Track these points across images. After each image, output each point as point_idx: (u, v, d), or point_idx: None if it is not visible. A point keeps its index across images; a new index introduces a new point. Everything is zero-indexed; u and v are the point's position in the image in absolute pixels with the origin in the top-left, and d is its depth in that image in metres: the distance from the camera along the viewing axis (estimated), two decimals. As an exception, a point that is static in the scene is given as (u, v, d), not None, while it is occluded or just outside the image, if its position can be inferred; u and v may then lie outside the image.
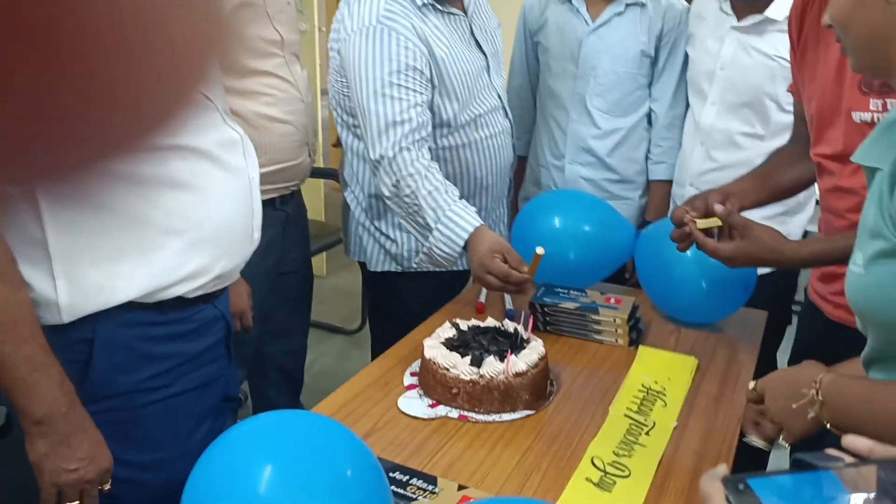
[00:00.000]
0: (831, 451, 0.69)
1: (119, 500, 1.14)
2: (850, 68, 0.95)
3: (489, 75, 1.84)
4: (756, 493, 0.61)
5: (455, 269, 1.81)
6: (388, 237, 1.89)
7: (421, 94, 1.66)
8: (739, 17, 1.83)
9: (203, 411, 1.27)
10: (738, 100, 1.86)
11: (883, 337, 0.91)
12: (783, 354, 1.93)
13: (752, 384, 1.10)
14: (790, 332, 1.80)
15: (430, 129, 1.69)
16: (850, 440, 0.70)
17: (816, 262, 1.34)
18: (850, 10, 0.93)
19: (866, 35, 0.92)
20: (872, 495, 0.62)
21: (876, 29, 0.91)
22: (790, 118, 1.79)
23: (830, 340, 1.42)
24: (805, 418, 0.96)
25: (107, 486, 1.11)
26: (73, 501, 1.08)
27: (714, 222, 1.32)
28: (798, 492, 0.64)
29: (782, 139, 1.84)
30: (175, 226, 1.14)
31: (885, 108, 1.22)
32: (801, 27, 1.40)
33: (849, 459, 0.66)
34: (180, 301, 1.18)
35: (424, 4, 1.69)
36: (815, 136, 1.39)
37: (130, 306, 1.13)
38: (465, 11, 1.78)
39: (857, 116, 1.26)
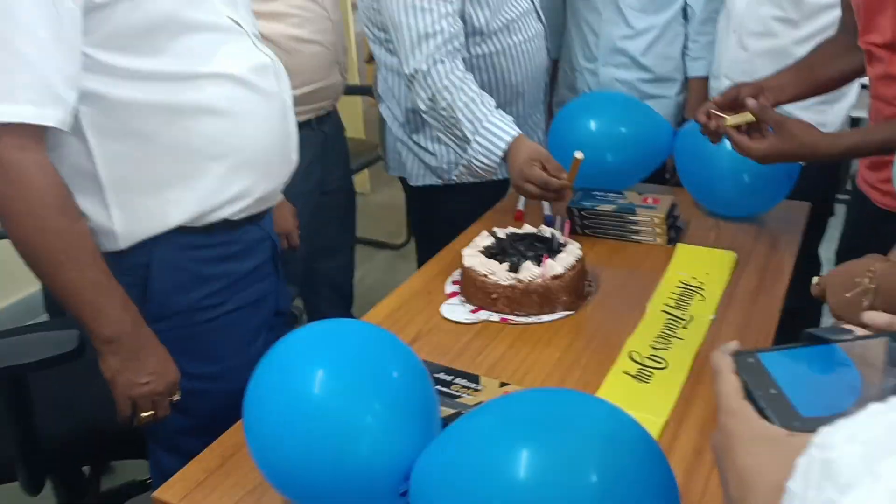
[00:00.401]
0: (844, 325, 0.70)
1: (187, 409, 1.23)
2: None
3: None
4: (764, 366, 0.62)
5: (495, 178, 1.83)
6: (426, 150, 1.90)
7: (451, 3, 1.64)
8: None
9: (257, 325, 1.35)
10: None
11: None
12: (830, 245, 1.92)
13: (815, 279, 1.07)
14: (835, 225, 1.78)
15: (462, 38, 1.68)
16: (870, 315, 0.70)
17: (854, 154, 1.32)
18: None
19: None
20: (881, 366, 0.63)
21: None
22: (823, 0, 1.72)
23: (879, 228, 1.41)
24: (861, 308, 0.95)
25: (176, 397, 1.20)
26: (147, 412, 1.17)
27: (746, 118, 1.30)
28: (805, 364, 0.64)
29: (816, 24, 1.77)
30: (216, 151, 1.18)
31: None
32: None
33: (861, 332, 0.66)
34: (227, 223, 1.24)
35: None
36: (863, 23, 1.33)
37: (181, 230, 1.19)
38: None
39: None
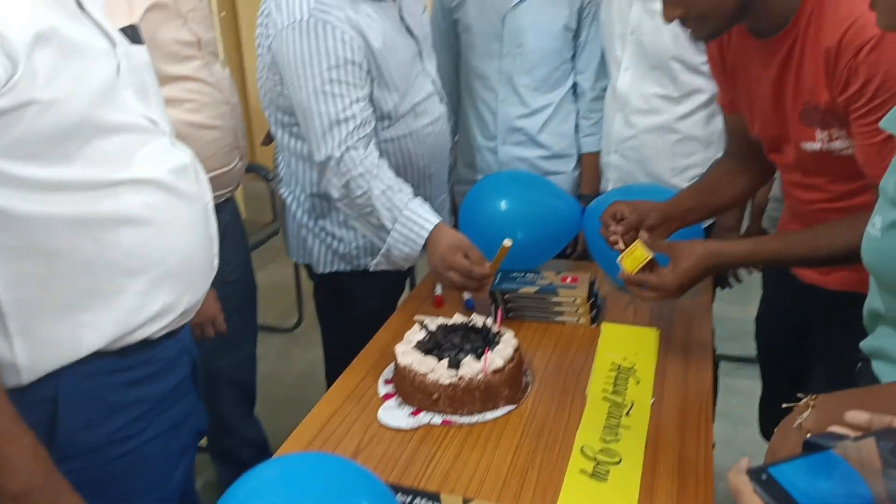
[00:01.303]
0: (836, 429, 0.73)
1: (107, 561, 1.08)
2: (878, 25, 0.92)
3: (422, 60, 1.80)
4: (778, 481, 0.65)
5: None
6: (333, 236, 1.84)
7: (361, 88, 1.61)
8: None
9: (178, 451, 1.22)
10: (648, 63, 1.89)
11: None
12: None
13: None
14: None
15: (373, 124, 1.65)
16: (850, 416, 0.74)
17: (747, 262, 1.38)
18: None
19: None
20: (879, 468, 0.66)
21: None
22: (699, 80, 1.84)
23: (800, 302, 1.49)
24: (795, 435, 0.91)
25: (94, 551, 1.05)
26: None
27: (642, 259, 1.32)
28: (813, 475, 0.67)
29: (695, 101, 1.88)
30: (135, 265, 1.07)
31: (831, 139, 1.23)
32: (721, 45, 1.39)
33: (853, 434, 0.71)
34: (144, 343, 1.12)
35: None
36: (767, 148, 1.40)
37: (92, 356, 1.06)
38: None
39: (807, 146, 1.26)
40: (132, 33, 1.23)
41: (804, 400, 0.92)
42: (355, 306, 1.90)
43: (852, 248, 1.21)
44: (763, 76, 1.29)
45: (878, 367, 1.02)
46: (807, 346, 1.53)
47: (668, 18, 1.24)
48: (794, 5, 1.19)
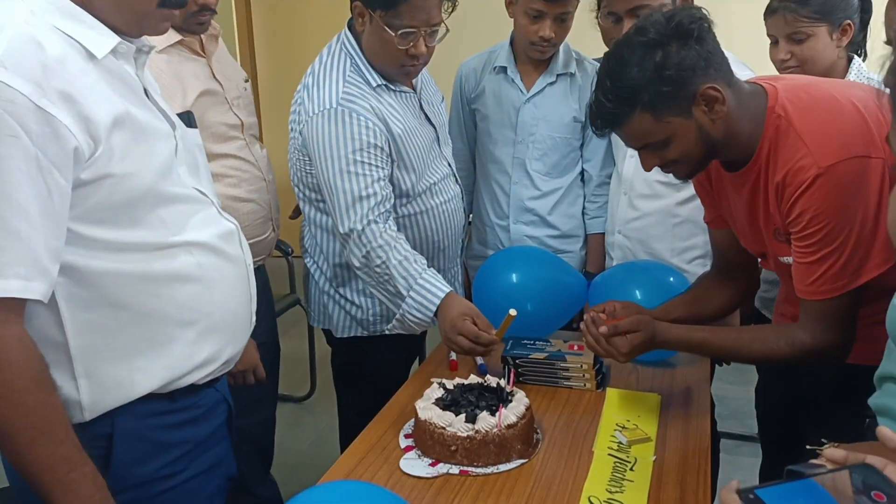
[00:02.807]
0: (816, 461, 0.84)
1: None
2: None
3: (439, 146, 1.98)
4: (764, 502, 0.77)
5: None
6: (352, 303, 1.97)
7: (383, 168, 1.77)
8: None
9: (212, 493, 1.32)
10: None
11: None
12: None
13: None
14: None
15: (392, 200, 1.80)
16: (829, 453, 0.85)
17: (698, 350, 1.55)
18: None
19: None
20: (851, 495, 0.77)
21: None
22: None
23: (800, 372, 1.57)
24: None
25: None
26: None
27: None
28: (794, 498, 0.79)
29: (693, 187, 2.04)
30: (187, 317, 1.20)
31: None
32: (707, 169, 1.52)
33: (830, 466, 0.83)
34: (190, 388, 1.23)
35: (379, 85, 1.81)
36: (754, 256, 1.56)
37: (145, 398, 1.18)
38: (414, 89, 1.92)
39: (784, 260, 1.43)
40: (188, 118, 1.40)
41: (827, 446, 1.02)
42: (371, 370, 2.01)
43: (769, 355, 1.42)
44: (737, 202, 1.46)
45: (883, 425, 1.12)
46: (807, 415, 1.63)
47: (647, 167, 1.42)
48: (753, 146, 1.37)
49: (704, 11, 1.34)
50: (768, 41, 2.02)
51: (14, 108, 0.98)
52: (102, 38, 1.11)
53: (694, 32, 1.28)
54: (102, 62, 1.11)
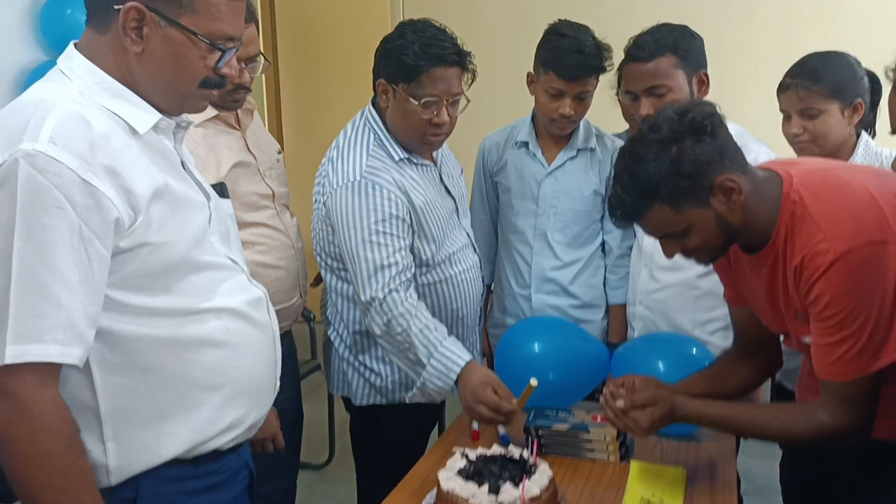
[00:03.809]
0: None
1: None
2: None
3: (458, 217, 2.02)
4: None
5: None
6: (372, 371, 1.98)
7: (404, 239, 1.82)
8: None
9: (232, 561, 1.31)
10: None
11: None
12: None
13: None
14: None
15: (413, 269, 1.84)
16: None
17: (701, 419, 1.53)
18: None
19: None
20: None
21: None
22: None
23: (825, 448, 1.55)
24: None
25: None
26: None
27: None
28: None
29: None
30: (214, 382, 1.22)
31: None
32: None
33: None
34: (214, 454, 1.25)
35: (401, 159, 1.87)
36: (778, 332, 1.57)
37: (170, 463, 1.19)
38: (434, 162, 1.98)
39: (805, 340, 1.44)
40: (220, 189, 1.46)
41: None
42: (389, 438, 2.01)
43: (789, 435, 1.42)
44: (756, 283, 1.48)
45: None
46: (832, 488, 1.60)
47: (669, 255, 1.46)
48: (770, 230, 1.39)
49: (716, 107, 1.39)
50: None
51: (61, 182, 1.03)
52: (145, 116, 1.17)
53: (707, 128, 1.33)
54: (144, 137, 1.16)
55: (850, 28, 3.77)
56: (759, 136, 2.03)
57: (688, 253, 1.43)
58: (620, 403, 1.49)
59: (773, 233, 1.39)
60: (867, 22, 3.82)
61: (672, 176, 1.31)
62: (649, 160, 1.33)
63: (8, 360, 1.00)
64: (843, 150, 2.00)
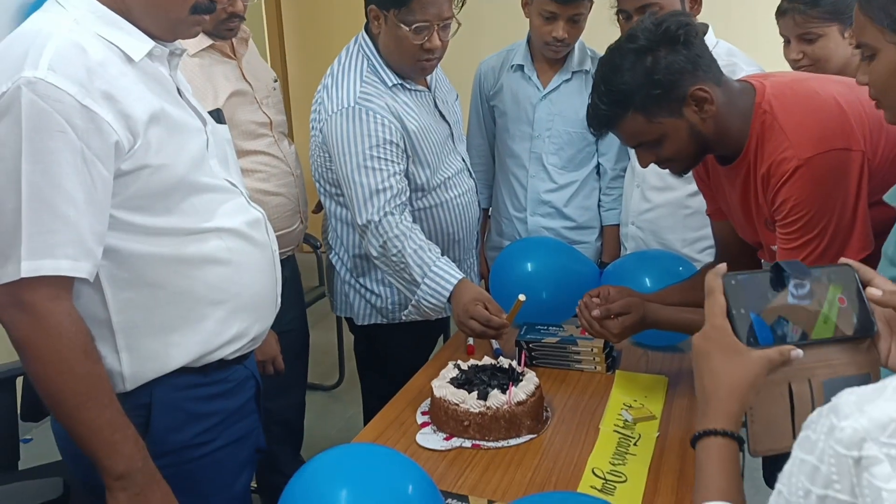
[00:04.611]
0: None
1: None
2: (887, 120, 1.15)
3: (453, 142, 2.07)
4: (742, 288, 0.86)
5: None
6: (372, 292, 2.07)
7: (398, 164, 1.87)
8: None
9: (241, 462, 1.42)
10: None
11: None
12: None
13: None
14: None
15: (408, 193, 1.90)
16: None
17: (671, 325, 1.64)
18: (888, 81, 1.09)
19: None
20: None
21: None
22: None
23: None
24: None
25: (174, 534, 1.24)
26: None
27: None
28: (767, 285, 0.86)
29: None
30: (217, 297, 1.30)
31: None
32: (704, 164, 1.59)
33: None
34: (221, 363, 1.34)
35: (395, 84, 1.90)
36: (753, 247, 1.63)
37: (180, 371, 1.28)
38: (428, 87, 2.01)
39: (774, 248, 1.48)
40: (217, 115, 1.50)
41: None
42: (390, 355, 2.11)
43: None
44: (732, 194, 1.53)
45: None
46: None
47: (643, 164, 1.50)
48: (743, 140, 1.43)
49: (691, 17, 1.42)
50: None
51: (62, 107, 1.08)
52: (139, 43, 1.22)
53: (681, 38, 1.36)
54: (139, 64, 1.21)
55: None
56: (770, 60, 2.02)
57: (662, 163, 1.47)
58: (596, 312, 1.58)
59: (746, 143, 1.43)
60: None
61: (645, 84, 1.35)
62: (625, 69, 1.37)
63: (23, 275, 1.07)
64: (846, 72, 1.98)
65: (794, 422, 0.84)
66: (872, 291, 0.84)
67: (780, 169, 1.36)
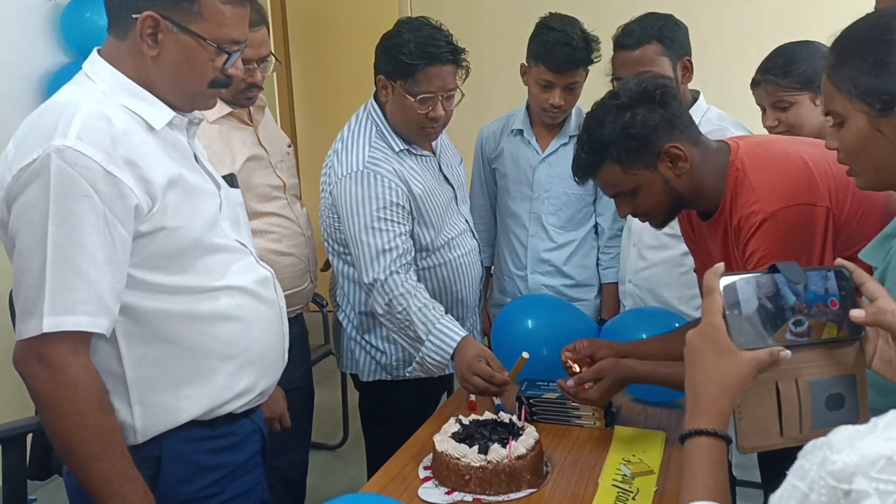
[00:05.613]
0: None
1: None
2: (857, 186, 1.22)
3: (457, 204, 2.15)
4: (737, 289, 0.88)
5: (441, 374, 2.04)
6: (377, 349, 2.12)
7: (404, 225, 1.94)
8: None
9: (248, 515, 1.45)
10: None
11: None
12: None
13: None
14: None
15: (413, 253, 1.97)
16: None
17: (649, 380, 1.69)
18: (857, 148, 1.13)
19: (874, 164, 1.13)
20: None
21: (882, 160, 1.11)
22: None
23: None
24: None
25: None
26: None
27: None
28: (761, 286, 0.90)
29: None
30: (227, 352, 1.35)
31: None
32: (690, 220, 1.69)
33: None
34: (229, 417, 1.38)
35: (402, 150, 2.00)
36: None
37: (190, 424, 1.33)
38: (434, 153, 2.10)
39: None
40: (230, 180, 1.59)
41: None
42: (394, 411, 2.14)
43: None
44: (714, 248, 1.61)
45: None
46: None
47: (622, 214, 1.60)
48: (719, 196, 1.52)
49: (670, 80, 1.54)
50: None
51: (88, 173, 1.16)
52: (160, 113, 1.31)
53: (657, 97, 1.47)
54: (160, 133, 1.30)
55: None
56: (759, 124, 2.09)
57: (639, 215, 1.57)
58: (570, 383, 1.66)
59: (722, 198, 1.51)
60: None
61: (622, 137, 1.46)
62: (606, 122, 1.48)
63: (45, 330, 1.14)
64: (822, 136, 2.06)
65: (781, 420, 0.87)
66: (856, 314, 0.89)
67: (748, 222, 1.43)
